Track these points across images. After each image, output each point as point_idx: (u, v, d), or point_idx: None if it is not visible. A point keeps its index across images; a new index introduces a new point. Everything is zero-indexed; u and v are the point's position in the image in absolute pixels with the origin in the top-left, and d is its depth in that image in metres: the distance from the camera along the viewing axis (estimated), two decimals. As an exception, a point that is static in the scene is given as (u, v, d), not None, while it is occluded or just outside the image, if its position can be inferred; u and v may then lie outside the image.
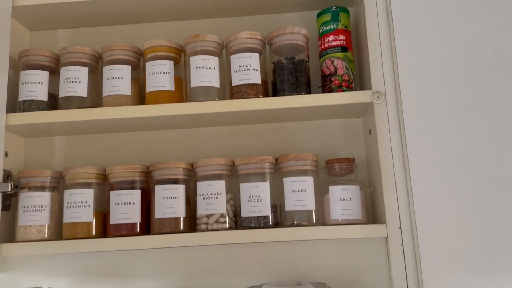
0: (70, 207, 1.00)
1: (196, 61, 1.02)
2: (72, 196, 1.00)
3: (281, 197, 0.99)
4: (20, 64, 1.09)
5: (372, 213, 1.03)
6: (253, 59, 1.01)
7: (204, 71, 1.02)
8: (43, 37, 1.23)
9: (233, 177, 1.03)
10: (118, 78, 1.04)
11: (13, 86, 1.07)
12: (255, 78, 1.01)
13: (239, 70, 1.01)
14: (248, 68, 1.01)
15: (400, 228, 0.93)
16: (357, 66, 1.09)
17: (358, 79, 1.09)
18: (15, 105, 1.06)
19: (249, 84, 1.00)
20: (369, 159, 1.06)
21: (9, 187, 0.97)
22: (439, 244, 0.89)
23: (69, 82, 1.04)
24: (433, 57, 0.96)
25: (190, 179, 1.04)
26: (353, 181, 1.00)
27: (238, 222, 0.99)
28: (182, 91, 1.07)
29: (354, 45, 1.09)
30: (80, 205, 1.00)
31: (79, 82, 1.05)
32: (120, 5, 1.11)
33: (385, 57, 0.99)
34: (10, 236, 1.02)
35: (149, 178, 1.04)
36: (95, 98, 1.08)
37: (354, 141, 1.12)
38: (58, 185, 1.06)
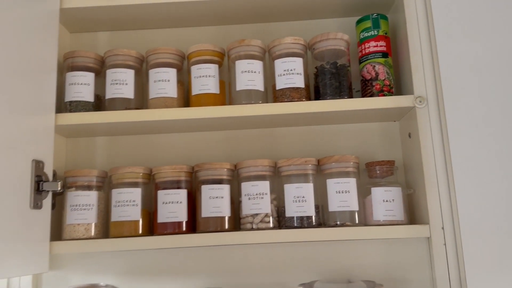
0: (118, 205, 1.02)
1: (241, 65, 1.05)
2: (121, 195, 1.02)
3: (323, 198, 1.02)
4: (65, 65, 1.11)
5: (410, 213, 1.06)
6: (297, 64, 1.04)
7: (250, 75, 1.04)
8: (83, 39, 1.25)
9: (276, 177, 1.05)
10: (165, 80, 1.06)
11: (57, 87, 1.09)
12: (299, 82, 1.04)
13: (284, 74, 1.04)
14: (292, 72, 1.04)
15: (443, 228, 0.96)
16: (395, 71, 1.12)
17: (395, 84, 1.12)
18: (60, 105, 1.08)
19: (293, 88, 1.03)
20: (408, 162, 1.09)
21: (58, 186, 0.99)
22: (482, 244, 0.92)
23: (116, 83, 1.07)
24: (474, 61, 0.99)
25: (234, 180, 1.07)
26: (394, 183, 1.03)
27: (281, 221, 1.02)
28: (225, 93, 1.09)
29: (392, 51, 1.13)
30: (128, 204, 1.02)
31: (126, 84, 1.07)
32: (162, 9, 1.14)
33: (426, 62, 1.02)
34: (57, 235, 1.04)
35: (193, 178, 1.07)
36: (140, 100, 1.10)
37: (391, 144, 1.15)
38: (103, 184, 1.08)
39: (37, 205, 0.92)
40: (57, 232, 1.05)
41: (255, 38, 1.08)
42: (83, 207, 1.02)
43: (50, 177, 0.99)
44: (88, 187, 1.05)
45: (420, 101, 1.00)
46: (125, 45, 1.22)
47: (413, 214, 1.06)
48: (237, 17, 1.20)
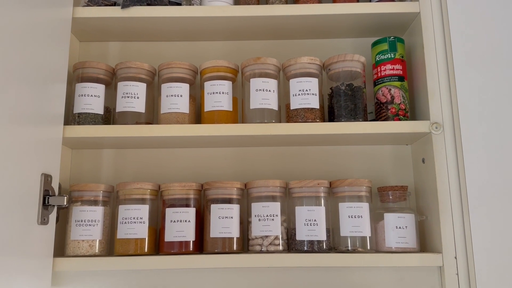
0: (125, 222, 0.99)
1: (256, 83, 1.03)
2: (128, 211, 1.00)
3: (334, 221, 1.00)
4: (74, 75, 1.09)
5: (421, 241, 1.05)
6: (313, 84, 1.03)
7: (264, 94, 1.03)
8: (93, 48, 1.23)
9: (286, 198, 1.04)
10: (177, 96, 1.04)
11: (66, 98, 1.06)
12: (314, 102, 1.02)
13: (299, 94, 1.02)
14: (307, 93, 1.02)
15: (456, 257, 0.94)
16: (410, 95, 1.11)
17: (410, 108, 1.11)
18: (67, 117, 1.05)
19: (308, 108, 1.02)
20: (420, 187, 1.08)
21: (64, 201, 0.96)
22: (496, 276, 0.91)
23: (128, 97, 1.05)
24: (492, 88, 0.98)
25: (243, 199, 1.05)
26: (406, 208, 1.01)
27: (291, 244, 1.00)
28: (237, 110, 1.08)
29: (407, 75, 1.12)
30: (136, 221, 0.99)
31: (138, 97, 1.05)
32: (176, 23, 1.12)
33: (443, 87, 1.01)
34: (59, 250, 1.01)
35: (202, 196, 1.05)
36: (150, 114, 1.08)
37: (402, 167, 1.14)
38: (110, 199, 1.05)
39: (44, 220, 0.89)
40: (60, 248, 1.02)
41: (268, 55, 1.07)
42: (88, 222, 1.00)
43: (56, 191, 0.96)
44: (94, 202, 1.02)
45: (437, 127, 0.99)
46: (135, 56, 1.20)
47: (424, 241, 1.04)
48: (250, 33, 1.19)
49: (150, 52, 1.22)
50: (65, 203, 0.96)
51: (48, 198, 0.91)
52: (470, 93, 0.99)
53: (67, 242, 1.00)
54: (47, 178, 0.91)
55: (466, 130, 0.97)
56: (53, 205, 0.93)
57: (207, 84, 1.05)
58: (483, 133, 0.97)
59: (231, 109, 1.05)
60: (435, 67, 1.03)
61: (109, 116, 1.09)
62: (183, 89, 1.05)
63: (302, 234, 0.98)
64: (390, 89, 1.05)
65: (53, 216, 0.94)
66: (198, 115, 1.10)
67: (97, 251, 0.99)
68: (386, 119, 1.04)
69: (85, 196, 1.02)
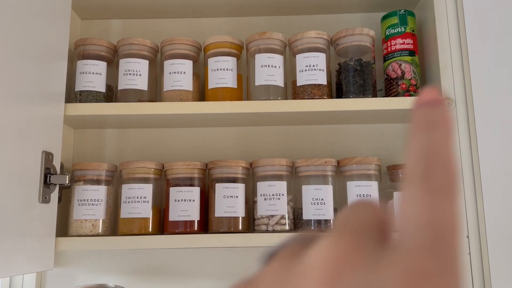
0: (129, 202, 0.98)
1: (261, 59, 1.00)
2: (131, 191, 0.98)
3: (342, 201, 0.98)
4: (75, 53, 1.06)
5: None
6: (320, 59, 1.00)
7: (270, 70, 1.00)
8: (95, 26, 1.20)
9: (293, 178, 1.01)
10: (180, 73, 1.02)
11: (66, 76, 1.04)
12: (322, 78, 0.99)
13: (305, 70, 0.99)
14: (314, 68, 0.99)
15: (468, 237, 0.92)
16: (421, 70, 1.08)
17: (421, 84, 1.08)
18: (69, 95, 1.03)
19: (315, 85, 0.99)
20: (431, 166, 1.04)
21: (66, 180, 0.94)
22: (510, 255, 0.88)
23: (130, 74, 1.02)
24: (506, 61, 0.94)
25: (248, 178, 1.02)
26: (417, 187, 0.98)
27: (297, 224, 0.98)
28: (242, 88, 1.05)
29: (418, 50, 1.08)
30: (139, 200, 0.97)
31: (140, 75, 1.02)
32: (179, -3, 1.09)
33: (455, 62, 0.98)
34: (62, 230, 1.00)
35: (206, 176, 1.02)
36: (153, 92, 1.06)
37: (412, 146, 1.10)
38: (113, 179, 1.03)
39: (45, 199, 0.88)
40: (63, 228, 1.00)
41: (273, 31, 1.03)
42: (91, 202, 0.98)
43: (58, 170, 0.95)
44: (97, 181, 1.00)
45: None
46: (138, 34, 1.17)
47: (435, 220, 1.01)
48: (255, 9, 1.15)
49: (153, 29, 1.19)
50: (67, 182, 0.94)
51: (50, 176, 0.90)
52: (483, 67, 0.95)
53: (70, 222, 0.98)
54: (48, 156, 0.89)
55: (479, 105, 0.94)
56: (55, 184, 0.92)
57: (210, 61, 1.02)
58: (497, 108, 0.93)
59: (235, 86, 1.02)
60: (447, 40, 0.99)
61: (111, 95, 1.07)
62: (186, 66, 1.02)
63: (309, 213, 0.96)
64: (400, 64, 1.01)
65: (55, 195, 0.92)
66: (202, 93, 1.07)
67: (100, 231, 0.98)
68: (397, 95, 1.01)
69: (87, 175, 1.00)
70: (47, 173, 0.89)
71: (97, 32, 1.19)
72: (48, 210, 0.90)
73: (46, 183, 0.89)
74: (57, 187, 0.94)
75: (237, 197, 0.98)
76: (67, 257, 1.05)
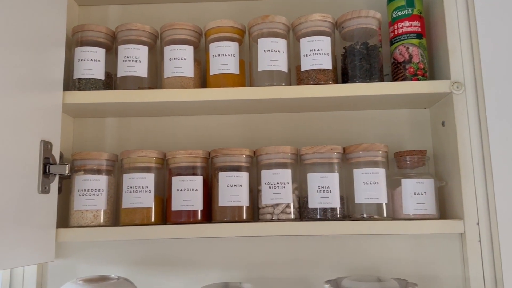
0: (130, 191, 0.95)
1: (264, 44, 0.97)
2: (133, 180, 0.96)
3: (348, 189, 0.96)
4: (73, 40, 1.04)
5: (440, 207, 0.99)
6: (325, 43, 0.97)
7: (273, 54, 0.97)
8: (93, 12, 1.17)
9: (298, 166, 0.99)
10: (181, 59, 0.99)
11: (65, 63, 1.01)
12: (327, 63, 0.96)
13: (310, 54, 0.96)
14: (319, 53, 0.96)
15: (478, 224, 0.89)
16: (428, 54, 1.05)
17: (429, 68, 1.05)
18: (67, 83, 1.01)
19: (320, 70, 0.96)
20: (440, 152, 1.02)
21: (66, 169, 0.92)
22: (522, 243, 0.86)
23: (129, 61, 0.99)
24: (518, 47, 0.91)
25: (252, 167, 1.00)
26: (425, 174, 0.96)
27: (303, 213, 0.95)
28: (244, 74, 1.02)
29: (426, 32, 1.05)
30: (141, 190, 0.95)
31: (139, 61, 1.00)
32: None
33: (464, 44, 0.95)
34: (63, 221, 0.98)
35: (209, 164, 1.00)
36: (153, 79, 1.03)
37: (420, 132, 1.08)
38: (114, 168, 1.01)
39: (45, 189, 0.86)
40: (64, 219, 0.98)
41: (278, 15, 1.00)
42: (92, 192, 0.96)
43: (57, 160, 0.92)
44: (98, 171, 0.98)
45: (458, 87, 0.93)
46: (137, 19, 1.15)
47: (444, 208, 0.99)
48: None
49: (152, 15, 1.16)
50: (67, 172, 0.92)
51: (49, 166, 0.87)
52: (493, 50, 0.92)
53: (71, 212, 0.96)
54: (47, 145, 0.86)
55: (490, 89, 0.91)
56: (54, 174, 0.89)
57: (212, 46, 1.00)
58: (507, 92, 0.90)
59: (238, 72, 0.99)
60: (455, 22, 0.96)
61: (111, 82, 1.04)
62: (187, 51, 1.00)
63: (315, 201, 0.93)
64: (408, 48, 0.98)
65: (54, 185, 0.90)
66: (203, 80, 1.04)
67: (102, 221, 0.96)
68: (404, 79, 0.98)
69: (87, 165, 0.98)
70: (46, 163, 0.87)
71: (95, 18, 1.16)
72: (48, 200, 0.88)
73: (46, 173, 0.87)
74: (57, 177, 0.92)
75: (241, 186, 0.95)
76: (68, 248, 1.03)
